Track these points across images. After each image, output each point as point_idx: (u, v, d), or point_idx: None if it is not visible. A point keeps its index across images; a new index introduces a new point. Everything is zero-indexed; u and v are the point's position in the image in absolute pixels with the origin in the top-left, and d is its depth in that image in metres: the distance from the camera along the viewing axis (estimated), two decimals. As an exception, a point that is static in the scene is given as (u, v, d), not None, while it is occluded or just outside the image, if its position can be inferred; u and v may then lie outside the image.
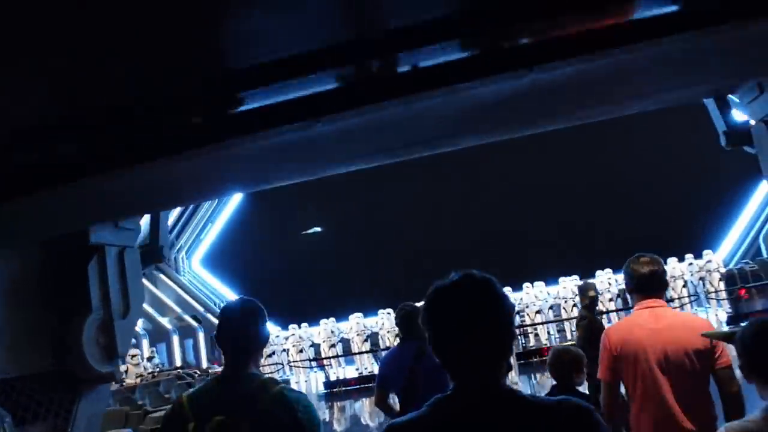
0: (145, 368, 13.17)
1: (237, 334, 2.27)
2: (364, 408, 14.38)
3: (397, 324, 4.56)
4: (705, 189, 21.90)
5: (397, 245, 23.81)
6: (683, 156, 22.20)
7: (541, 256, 20.35)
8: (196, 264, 28.07)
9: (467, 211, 24.00)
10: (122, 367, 12.64)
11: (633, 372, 3.13)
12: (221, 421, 2.01)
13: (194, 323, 23.95)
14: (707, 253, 18.66)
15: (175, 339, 22.16)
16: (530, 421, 1.39)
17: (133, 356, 12.92)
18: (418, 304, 4.53)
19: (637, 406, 3.14)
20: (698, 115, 20.77)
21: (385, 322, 18.51)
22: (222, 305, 19.51)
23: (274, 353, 18.80)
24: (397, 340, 15.90)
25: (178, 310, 24.21)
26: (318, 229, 23.26)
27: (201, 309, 25.16)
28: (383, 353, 17.69)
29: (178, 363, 21.81)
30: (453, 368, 1.48)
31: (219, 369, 15.29)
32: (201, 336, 23.86)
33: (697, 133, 21.67)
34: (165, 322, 22.75)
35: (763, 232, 22.53)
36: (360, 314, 18.81)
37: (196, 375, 13.16)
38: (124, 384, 11.70)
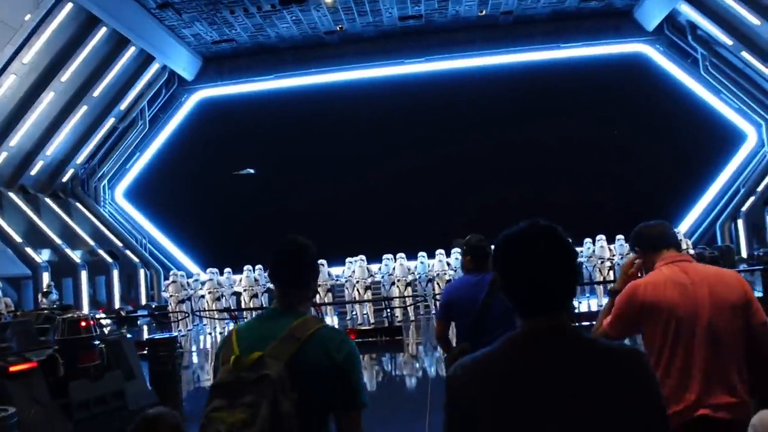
0: (7, 304, 10.98)
1: (287, 269, 2.29)
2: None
3: (467, 252, 4.32)
4: (669, 169, 21.02)
5: (336, 195, 22.18)
6: (653, 134, 21.35)
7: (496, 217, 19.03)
8: (119, 196, 25.67)
9: (412, 157, 22.51)
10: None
11: (663, 335, 2.76)
12: (259, 357, 2.01)
13: (109, 259, 21.76)
14: (678, 232, 17.11)
15: (84, 274, 19.92)
16: (596, 362, 1.50)
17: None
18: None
19: (676, 375, 2.71)
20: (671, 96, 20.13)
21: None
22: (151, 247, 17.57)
23: (189, 299, 16.81)
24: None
25: (92, 243, 21.93)
26: (251, 170, 21.35)
27: (120, 244, 22.95)
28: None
29: (86, 301, 19.74)
30: (523, 309, 1.57)
31: (128, 309, 13.28)
32: (116, 273, 21.69)
33: (669, 115, 21.47)
34: (75, 255, 20.46)
35: (721, 219, 21.89)
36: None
37: (76, 316, 10.97)
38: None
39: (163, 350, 5.88)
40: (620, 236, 16.75)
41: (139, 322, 19.80)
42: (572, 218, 18.56)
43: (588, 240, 17.08)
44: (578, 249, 16.94)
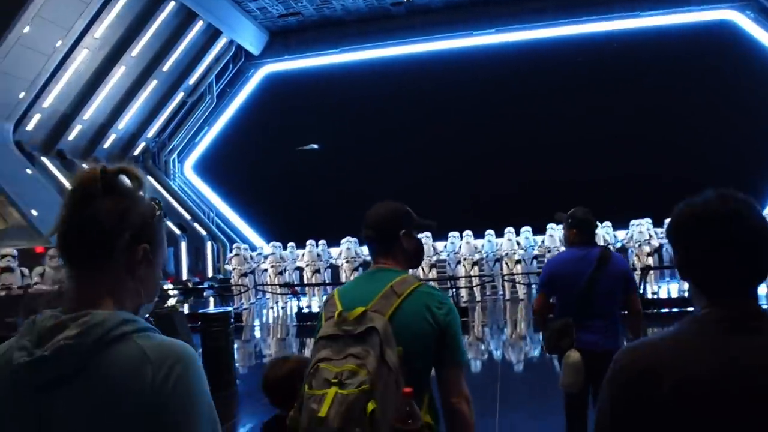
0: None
1: (379, 230, 2.37)
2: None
3: (573, 225, 4.22)
4: (760, 146, 19.48)
5: (400, 170, 21.71)
6: (742, 109, 19.85)
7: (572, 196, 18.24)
8: (187, 169, 26.07)
9: (482, 134, 21.80)
10: (37, 269, 10.66)
11: None
12: (362, 312, 2.09)
13: (178, 231, 22.16)
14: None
15: (153, 246, 20.30)
16: None
17: (52, 257, 10.81)
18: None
19: None
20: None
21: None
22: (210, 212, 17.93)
23: (253, 272, 16.80)
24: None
25: (162, 215, 22.35)
26: (315, 146, 21.13)
27: (188, 217, 23.36)
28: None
29: (155, 272, 20.15)
30: (711, 289, 1.46)
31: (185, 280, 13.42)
32: (184, 246, 22.10)
33: (760, 88, 19.92)
34: (145, 226, 20.88)
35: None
36: (353, 239, 16.65)
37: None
38: (31, 289, 9.72)
39: (216, 325, 5.62)
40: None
41: (205, 294, 20.10)
42: (653, 194, 17.65)
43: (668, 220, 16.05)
44: (659, 230, 15.83)
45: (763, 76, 20.50)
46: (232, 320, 6.04)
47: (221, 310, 6.83)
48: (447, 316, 2.21)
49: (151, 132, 23.68)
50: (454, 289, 15.04)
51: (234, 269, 16.73)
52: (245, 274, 16.52)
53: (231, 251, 18.25)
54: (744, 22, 21.61)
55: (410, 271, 2.42)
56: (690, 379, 1.35)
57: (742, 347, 1.36)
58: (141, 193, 1.29)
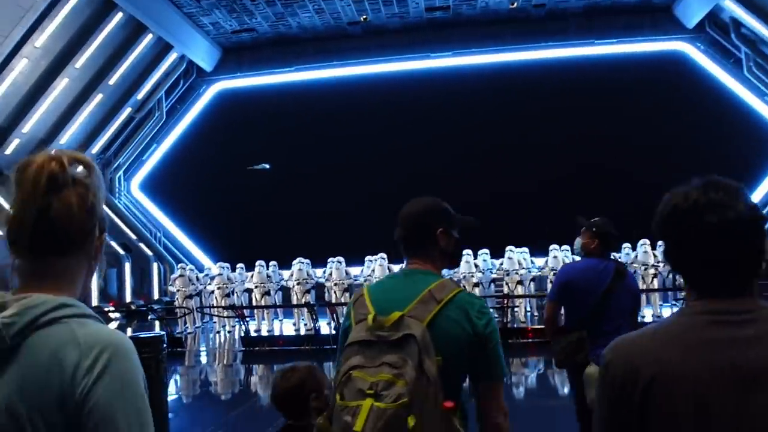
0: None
1: (411, 228, 2.28)
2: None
3: (597, 236, 4.19)
4: (709, 174, 19.62)
5: (354, 192, 21.27)
6: (692, 137, 20.16)
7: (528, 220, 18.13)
8: (134, 187, 25.07)
9: (436, 157, 21.58)
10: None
11: None
12: (399, 317, 1.96)
13: (122, 251, 21.16)
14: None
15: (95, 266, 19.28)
16: None
17: None
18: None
19: None
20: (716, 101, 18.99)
21: (333, 272, 15.81)
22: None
23: (199, 294, 15.98)
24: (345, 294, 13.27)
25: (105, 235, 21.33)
26: (266, 165, 20.57)
27: (133, 236, 22.35)
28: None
29: (95, 294, 19.12)
30: (698, 284, 1.39)
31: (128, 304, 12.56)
32: (128, 266, 21.11)
33: (709, 118, 20.33)
34: (86, 246, 19.86)
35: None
36: (306, 260, 16.02)
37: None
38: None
39: (146, 351, 4.98)
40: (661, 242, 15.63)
41: (150, 318, 19.13)
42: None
43: (627, 245, 15.95)
44: (616, 255, 15.67)
45: (710, 103, 20.96)
46: (165, 345, 5.42)
47: (152, 334, 6.20)
48: (487, 326, 2.07)
49: (96, 148, 22.64)
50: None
51: (178, 291, 15.87)
52: (190, 296, 15.67)
53: (176, 272, 17.43)
54: (694, 53, 22.11)
55: (444, 272, 2.26)
56: (665, 375, 1.30)
57: (721, 342, 1.30)
58: (93, 179, 1.27)
